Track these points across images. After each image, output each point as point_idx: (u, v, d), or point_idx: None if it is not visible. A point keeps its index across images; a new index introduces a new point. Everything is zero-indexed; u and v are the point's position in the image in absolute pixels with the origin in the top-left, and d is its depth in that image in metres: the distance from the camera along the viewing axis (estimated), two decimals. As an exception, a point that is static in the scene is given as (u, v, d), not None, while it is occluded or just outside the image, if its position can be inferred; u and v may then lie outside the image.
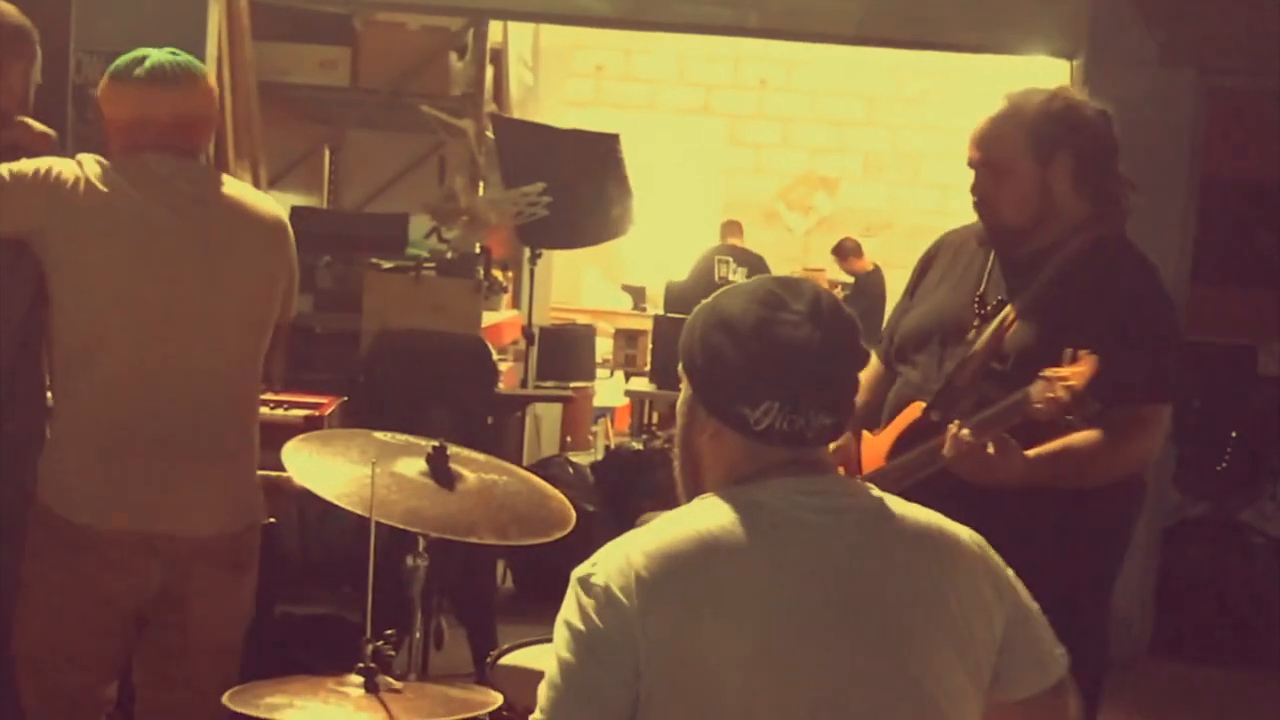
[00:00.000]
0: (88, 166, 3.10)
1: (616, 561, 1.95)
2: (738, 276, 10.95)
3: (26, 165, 3.08)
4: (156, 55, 3.18)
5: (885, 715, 1.95)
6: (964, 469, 2.86)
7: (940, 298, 3.21)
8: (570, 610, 1.97)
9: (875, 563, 1.99)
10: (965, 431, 2.85)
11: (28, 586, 3.14)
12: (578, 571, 1.98)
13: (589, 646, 1.94)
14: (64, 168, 3.09)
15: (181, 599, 3.15)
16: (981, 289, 3.12)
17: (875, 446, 3.17)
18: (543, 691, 1.97)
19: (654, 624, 1.91)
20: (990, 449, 2.84)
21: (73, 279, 3.08)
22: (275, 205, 3.37)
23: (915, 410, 3.08)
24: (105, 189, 3.07)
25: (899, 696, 1.95)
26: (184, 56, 3.23)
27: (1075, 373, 2.74)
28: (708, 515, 1.99)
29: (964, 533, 2.08)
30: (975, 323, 3.08)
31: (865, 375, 3.36)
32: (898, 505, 2.07)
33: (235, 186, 3.32)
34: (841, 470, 3.15)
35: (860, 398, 3.32)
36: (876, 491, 2.09)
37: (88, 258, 3.07)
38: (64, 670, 3.14)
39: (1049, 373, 2.77)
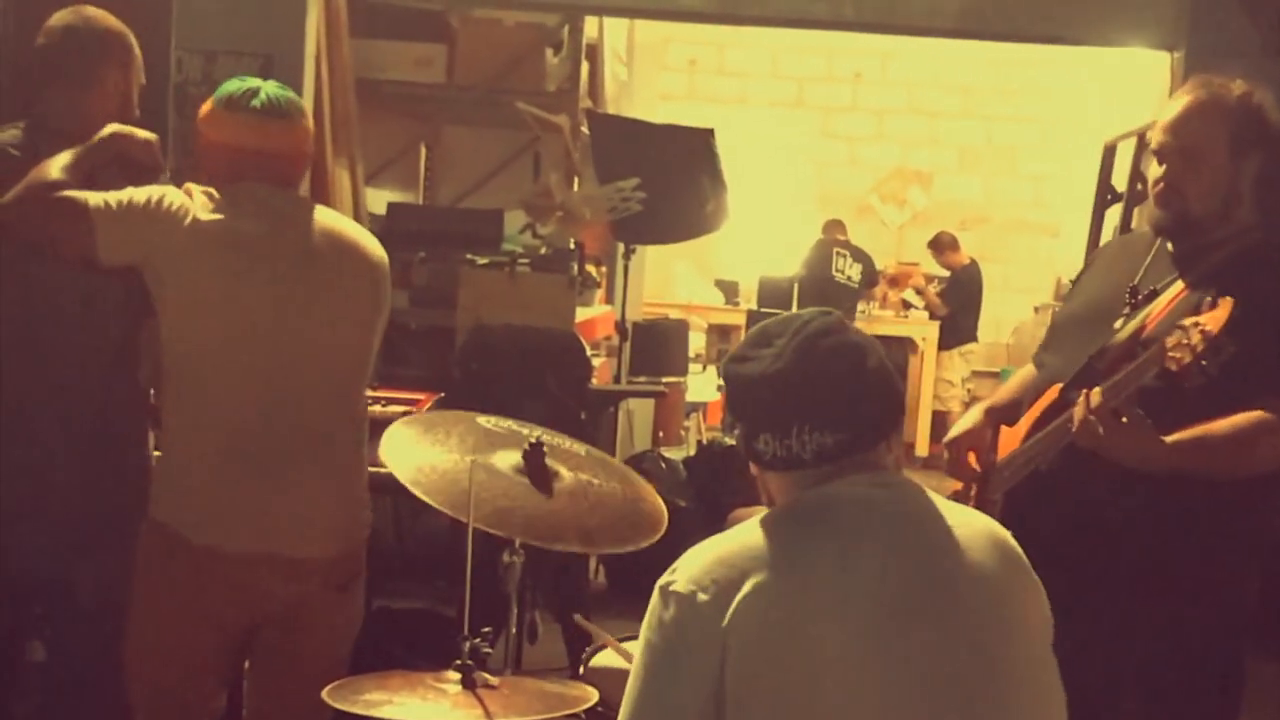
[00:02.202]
0: (196, 196, 3.12)
1: (697, 567, 2.00)
2: (853, 270, 10.93)
3: (138, 195, 3.08)
4: (269, 88, 3.20)
5: (990, 687, 1.97)
6: (1092, 439, 2.79)
7: (1092, 290, 3.20)
8: (649, 623, 2.03)
9: (948, 547, 2.03)
10: (1096, 392, 2.79)
11: (140, 600, 3.17)
12: (660, 581, 2.04)
13: (665, 660, 1.98)
14: (173, 198, 3.10)
15: (296, 618, 3.18)
16: (1136, 280, 3.07)
17: (1013, 434, 3.16)
18: (623, 704, 2.03)
19: (738, 625, 1.94)
20: (1124, 420, 2.77)
21: (180, 305, 3.10)
22: (376, 243, 3.37)
23: (1053, 392, 3.04)
24: (212, 218, 3.09)
25: (1000, 667, 1.99)
26: (290, 92, 3.24)
27: (1210, 317, 2.67)
28: (781, 518, 2.07)
29: (1007, 534, 2.13)
30: (1125, 311, 3.04)
31: (1020, 377, 3.37)
32: (946, 506, 2.12)
33: (336, 219, 3.34)
34: (972, 457, 3.21)
35: (1008, 395, 3.29)
36: (922, 489, 2.13)
37: (194, 285, 3.09)
38: (173, 682, 3.18)
39: (1185, 321, 2.70)
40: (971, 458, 3.21)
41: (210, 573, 3.09)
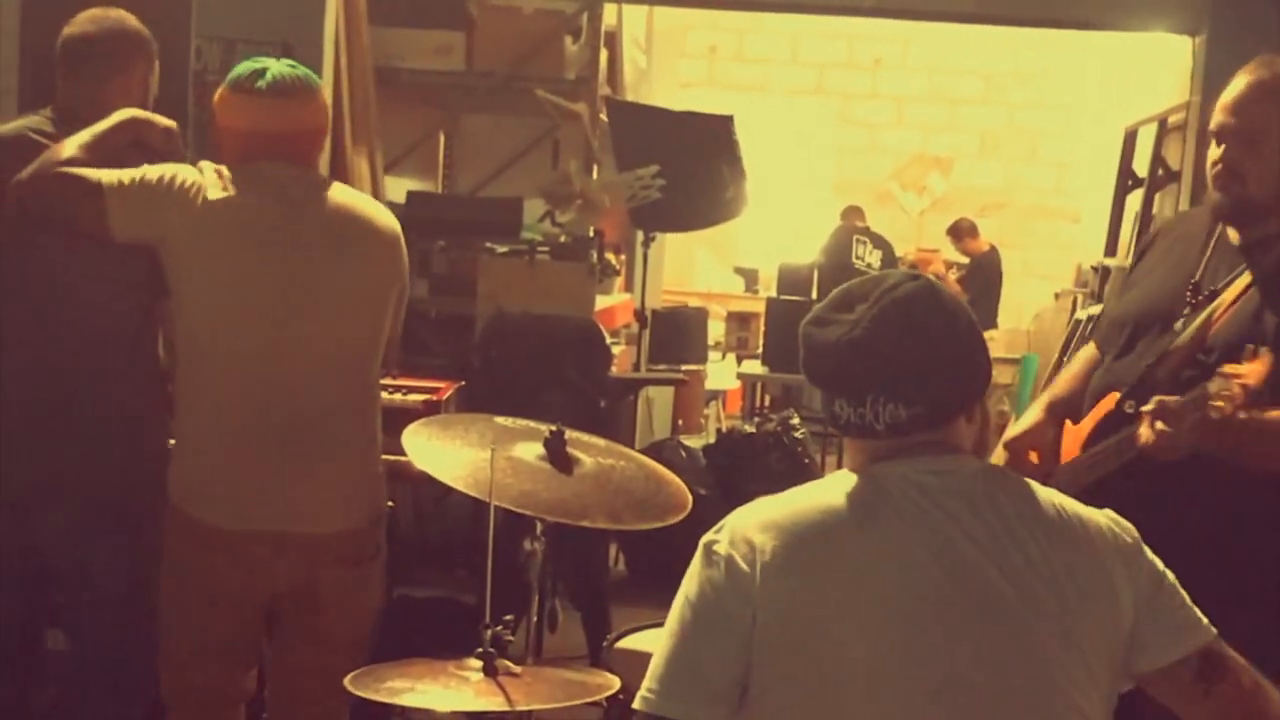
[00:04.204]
0: (207, 173, 3.14)
1: (742, 529, 1.99)
2: (873, 257, 10.95)
3: (151, 173, 3.11)
4: (276, 67, 3.19)
5: (1005, 694, 1.94)
6: (1169, 452, 2.72)
7: (1153, 283, 3.09)
8: (690, 579, 2.02)
9: (994, 543, 1.99)
10: (1160, 424, 2.70)
11: (164, 583, 3.20)
12: (705, 537, 2.03)
13: (701, 618, 1.98)
14: (185, 175, 3.12)
15: (310, 595, 3.19)
16: (1198, 276, 2.97)
17: (1074, 435, 3.08)
18: (654, 659, 2.01)
19: (773, 593, 1.94)
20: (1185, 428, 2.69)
21: (192, 283, 3.12)
22: (393, 218, 3.36)
23: (1111, 400, 2.97)
24: (224, 195, 3.10)
25: (1018, 675, 1.95)
26: (302, 70, 3.24)
27: (1251, 370, 2.63)
28: (834, 489, 2.04)
29: (1094, 514, 2.08)
30: (1185, 311, 2.94)
31: (1080, 363, 3.23)
32: (1021, 487, 2.08)
33: (350, 194, 3.34)
34: (1034, 456, 3.11)
35: (1070, 386, 3.18)
36: (1001, 473, 2.10)
37: (206, 262, 3.10)
38: (200, 664, 3.20)
39: (1228, 369, 2.65)
40: (1033, 457, 3.12)
41: (222, 552, 3.11)
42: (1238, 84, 2.93)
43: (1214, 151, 2.96)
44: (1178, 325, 2.92)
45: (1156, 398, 2.73)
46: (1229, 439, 2.69)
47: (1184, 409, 2.68)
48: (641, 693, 2.00)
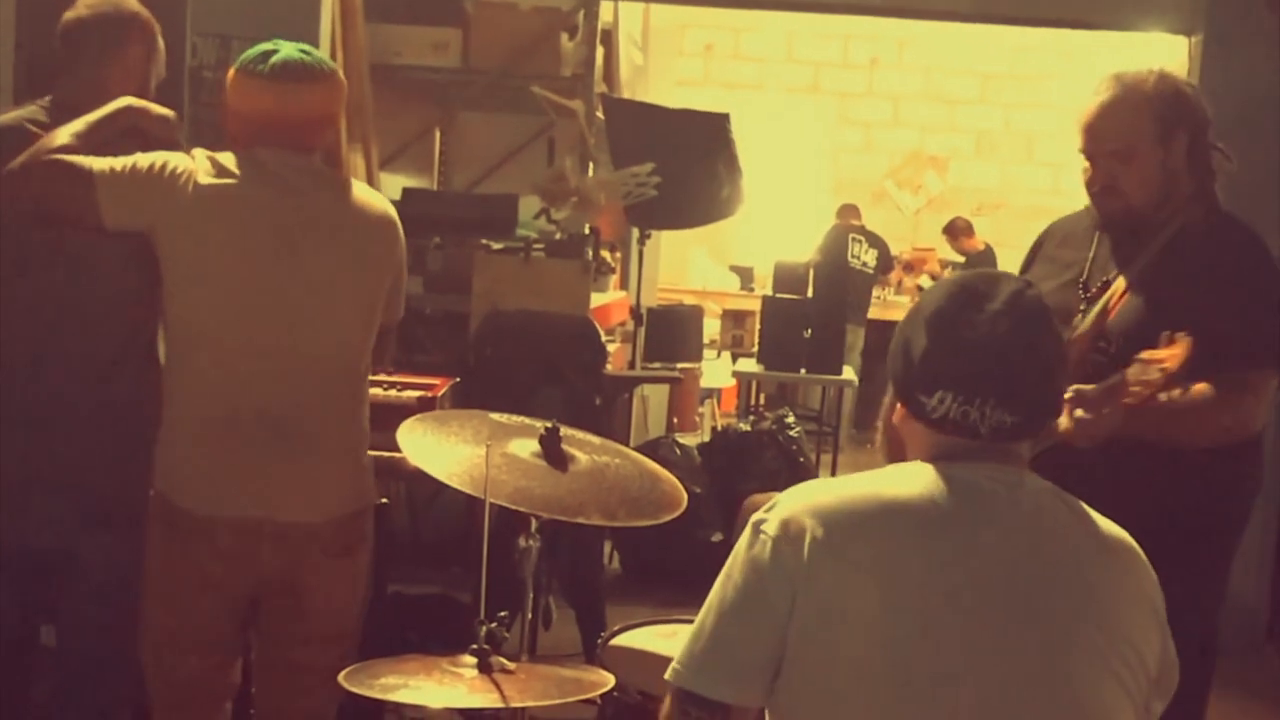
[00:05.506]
0: (200, 161, 3.11)
1: (793, 511, 1.98)
2: (869, 256, 10.95)
3: (141, 160, 3.09)
4: (286, 50, 3.16)
5: (1032, 711, 1.93)
6: (1087, 440, 2.85)
7: (1046, 288, 3.22)
8: (736, 557, 2.01)
9: (1046, 560, 1.99)
10: (1080, 412, 2.82)
11: (148, 572, 3.18)
12: (756, 515, 2.02)
13: (742, 599, 1.98)
14: (177, 162, 3.10)
15: (293, 585, 3.17)
16: (1085, 275, 3.15)
17: None
18: (691, 631, 2.01)
19: (815, 580, 1.93)
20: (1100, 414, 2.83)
21: (183, 271, 3.10)
22: (388, 205, 3.33)
23: None
24: (216, 183, 3.08)
25: (1051, 698, 1.94)
26: (315, 54, 3.20)
27: (1170, 355, 2.74)
28: (895, 482, 2.03)
29: (1132, 540, 2.08)
30: (1081, 307, 3.09)
31: None
32: (1076, 508, 2.08)
33: (348, 183, 3.31)
34: None
35: None
36: (1060, 493, 2.09)
37: (197, 251, 3.08)
38: (184, 654, 3.18)
39: (1145, 355, 2.76)
40: None
41: (202, 539, 3.09)
42: (1090, 108, 3.14)
43: (1088, 170, 3.16)
44: (1075, 320, 3.08)
45: (1074, 386, 2.83)
46: (1143, 422, 2.82)
47: (1101, 396, 2.81)
48: (674, 665, 2.00)
